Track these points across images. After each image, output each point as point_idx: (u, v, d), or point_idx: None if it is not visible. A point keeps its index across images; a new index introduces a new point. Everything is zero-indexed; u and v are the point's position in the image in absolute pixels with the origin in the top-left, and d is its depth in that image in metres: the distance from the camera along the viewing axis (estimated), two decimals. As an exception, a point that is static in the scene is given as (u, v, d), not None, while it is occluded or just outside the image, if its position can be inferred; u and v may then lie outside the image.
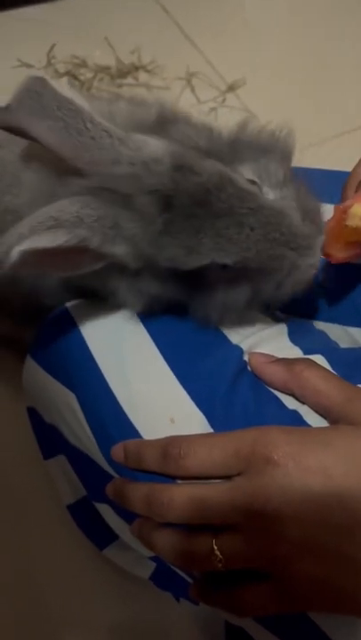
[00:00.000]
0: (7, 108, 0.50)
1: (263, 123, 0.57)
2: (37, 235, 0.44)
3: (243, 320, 0.56)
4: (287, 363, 0.49)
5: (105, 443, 0.51)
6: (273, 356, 0.51)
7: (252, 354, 0.52)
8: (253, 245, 0.48)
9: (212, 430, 0.48)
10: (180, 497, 0.43)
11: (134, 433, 0.49)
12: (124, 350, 0.53)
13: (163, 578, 0.63)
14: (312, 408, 0.48)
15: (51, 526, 0.80)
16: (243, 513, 0.41)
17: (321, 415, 0.47)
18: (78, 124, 0.48)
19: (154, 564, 0.62)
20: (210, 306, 0.53)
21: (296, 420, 0.48)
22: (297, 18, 1.52)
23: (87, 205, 0.47)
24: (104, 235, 0.47)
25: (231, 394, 0.50)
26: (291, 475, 0.40)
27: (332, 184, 0.63)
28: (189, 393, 0.50)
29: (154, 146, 0.48)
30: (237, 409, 0.49)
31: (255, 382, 0.51)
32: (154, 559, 0.60)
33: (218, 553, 0.42)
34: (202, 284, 0.52)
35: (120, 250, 0.48)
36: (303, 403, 0.48)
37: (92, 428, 0.52)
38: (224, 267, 0.50)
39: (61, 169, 0.50)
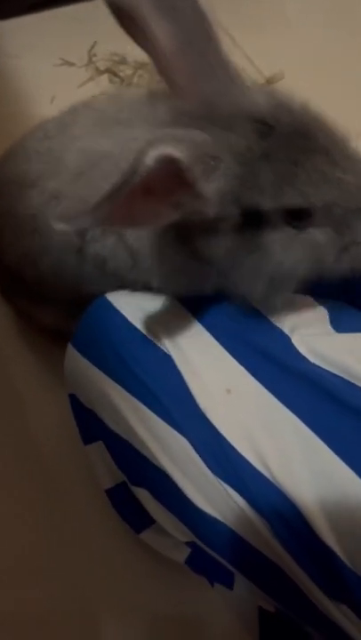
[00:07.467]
0: None
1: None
2: (165, 144, 0.43)
3: (283, 301, 0.55)
4: None
5: (160, 411, 0.52)
6: None
7: None
8: (345, 188, 0.49)
9: (272, 399, 0.49)
10: None
11: (191, 402, 0.51)
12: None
13: (198, 562, 0.64)
14: None
15: (90, 510, 0.82)
16: None
17: None
18: (205, 46, 0.47)
19: (189, 549, 0.64)
20: (261, 270, 0.52)
21: None
22: (336, 11, 1.50)
23: (192, 131, 0.47)
24: (206, 165, 0.46)
25: (291, 366, 0.50)
26: None
27: None
28: (245, 366, 0.51)
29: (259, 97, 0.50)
30: (303, 381, 0.50)
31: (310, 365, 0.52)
32: (189, 544, 0.61)
33: None
34: (259, 242, 0.51)
35: (211, 188, 0.48)
36: None
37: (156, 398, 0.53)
38: (297, 217, 0.50)
39: None
